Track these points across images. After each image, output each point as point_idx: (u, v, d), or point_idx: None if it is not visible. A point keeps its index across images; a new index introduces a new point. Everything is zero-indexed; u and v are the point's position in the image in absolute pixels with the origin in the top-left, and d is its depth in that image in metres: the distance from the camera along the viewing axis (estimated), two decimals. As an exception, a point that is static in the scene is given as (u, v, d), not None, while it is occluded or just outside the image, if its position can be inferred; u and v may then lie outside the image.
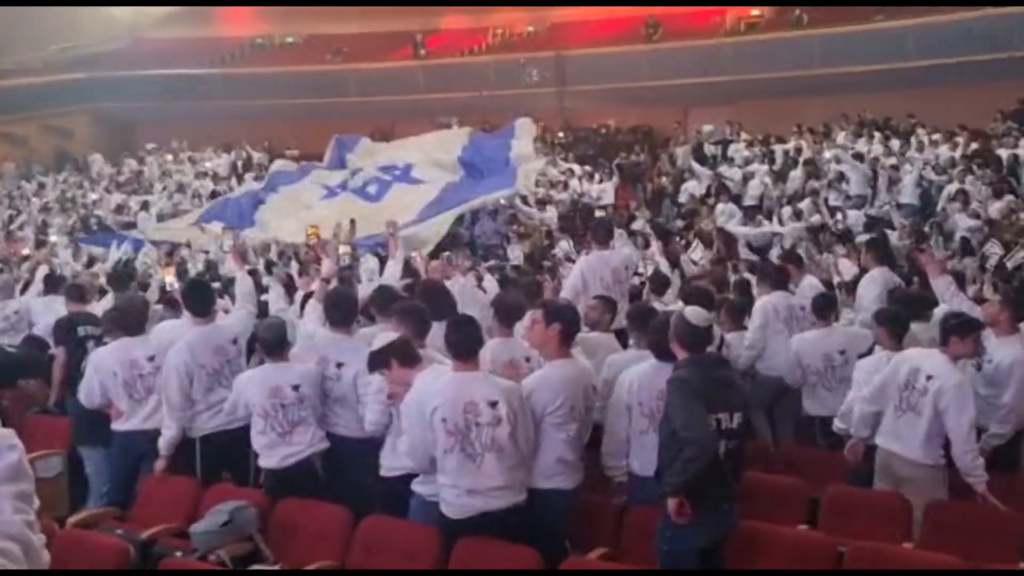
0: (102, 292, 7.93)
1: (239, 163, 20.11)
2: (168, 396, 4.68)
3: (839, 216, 12.41)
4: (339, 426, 4.55)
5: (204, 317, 4.86)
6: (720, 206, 14.20)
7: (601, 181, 16.78)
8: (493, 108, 21.93)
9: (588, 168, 17.39)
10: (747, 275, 7.89)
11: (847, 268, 9.07)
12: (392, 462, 4.27)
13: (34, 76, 22.55)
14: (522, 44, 23.48)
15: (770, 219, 13.02)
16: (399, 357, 3.88)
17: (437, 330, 4.17)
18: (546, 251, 12.74)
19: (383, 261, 9.09)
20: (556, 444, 3.96)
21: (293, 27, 25.42)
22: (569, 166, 17.22)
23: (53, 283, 7.78)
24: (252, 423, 4.46)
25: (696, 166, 16.03)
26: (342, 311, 4.68)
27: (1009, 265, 8.72)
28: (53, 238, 13.85)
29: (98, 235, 14.43)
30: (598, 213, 13.47)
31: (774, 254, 10.54)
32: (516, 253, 12.96)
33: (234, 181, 18.54)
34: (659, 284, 7.41)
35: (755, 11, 21.44)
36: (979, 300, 5.73)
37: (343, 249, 5.87)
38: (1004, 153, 13.73)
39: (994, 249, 9.42)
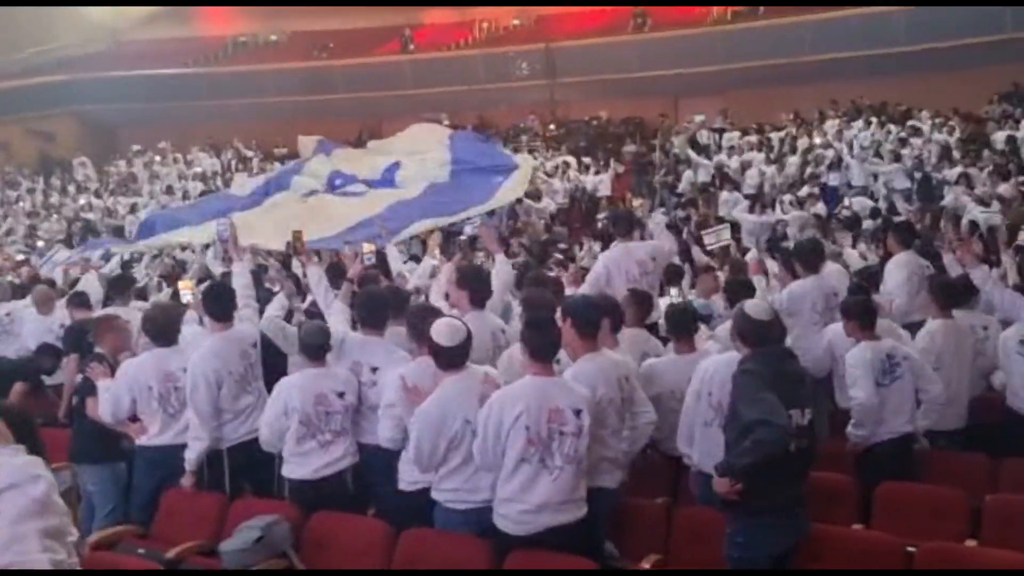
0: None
1: (233, 162, 19.79)
2: (197, 406, 4.42)
3: (845, 203, 12.30)
4: (368, 434, 4.33)
5: (226, 322, 4.64)
6: (724, 194, 14.11)
7: (597, 173, 16.64)
8: (483, 102, 21.77)
9: (585, 160, 17.24)
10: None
11: (855, 259, 8.96)
12: (413, 475, 4.10)
13: (13, 79, 22.11)
14: (509, 37, 23.27)
15: (772, 207, 12.92)
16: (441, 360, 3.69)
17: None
18: (546, 245, 12.54)
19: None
20: (596, 441, 3.77)
21: (275, 24, 25.11)
22: (564, 158, 17.05)
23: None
24: (289, 431, 4.24)
25: (694, 155, 15.91)
26: (374, 312, 4.47)
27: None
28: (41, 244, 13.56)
29: (90, 241, 14.06)
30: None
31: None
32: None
33: (219, 182, 18.27)
34: (672, 274, 7.28)
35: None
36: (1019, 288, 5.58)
37: (367, 248, 5.63)
38: (1001, 136, 13.67)
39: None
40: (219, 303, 4.68)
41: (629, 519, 4.07)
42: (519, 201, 13.54)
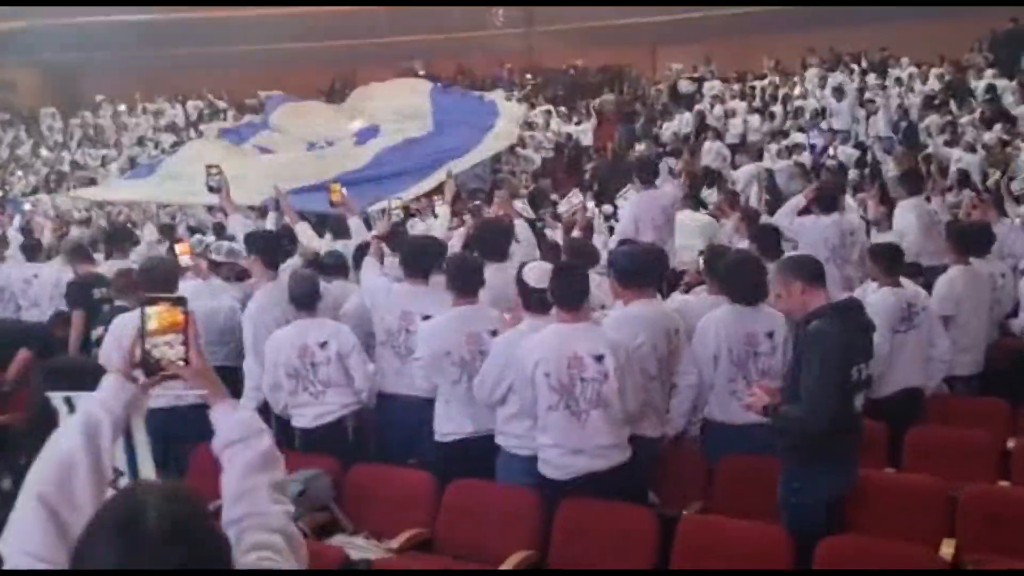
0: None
1: (206, 113, 19.32)
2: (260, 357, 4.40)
3: (830, 152, 12.35)
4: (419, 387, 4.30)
5: (276, 271, 4.65)
6: (707, 144, 14.08)
7: (579, 122, 16.53)
8: (460, 50, 21.41)
9: (563, 109, 17.10)
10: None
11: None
12: (446, 427, 4.10)
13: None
14: (486, -17, 22.80)
15: (759, 157, 12.93)
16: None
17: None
18: (535, 194, 12.43)
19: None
20: (638, 388, 3.77)
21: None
22: (546, 107, 16.89)
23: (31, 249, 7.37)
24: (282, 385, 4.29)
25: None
26: (420, 261, 4.43)
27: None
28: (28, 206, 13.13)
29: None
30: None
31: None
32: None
33: (193, 132, 17.85)
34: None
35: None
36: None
37: (396, 203, 5.55)
38: (982, 84, 13.75)
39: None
40: (271, 252, 4.74)
41: (670, 466, 4.09)
42: (511, 150, 13.35)
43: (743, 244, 5.56)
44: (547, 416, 3.48)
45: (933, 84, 14.38)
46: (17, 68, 22.04)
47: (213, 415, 1.81)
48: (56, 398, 2.00)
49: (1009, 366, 5.21)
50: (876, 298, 4.64)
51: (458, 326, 4.07)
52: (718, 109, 15.64)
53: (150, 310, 1.76)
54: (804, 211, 6.06)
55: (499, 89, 19.45)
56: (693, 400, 4.06)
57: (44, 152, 17.71)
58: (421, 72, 20.43)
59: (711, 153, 13.83)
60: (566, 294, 3.52)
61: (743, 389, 4.01)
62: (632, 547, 3.39)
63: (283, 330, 4.38)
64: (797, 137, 13.54)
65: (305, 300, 4.37)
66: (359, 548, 3.65)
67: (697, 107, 16.01)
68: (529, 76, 20.47)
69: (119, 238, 6.95)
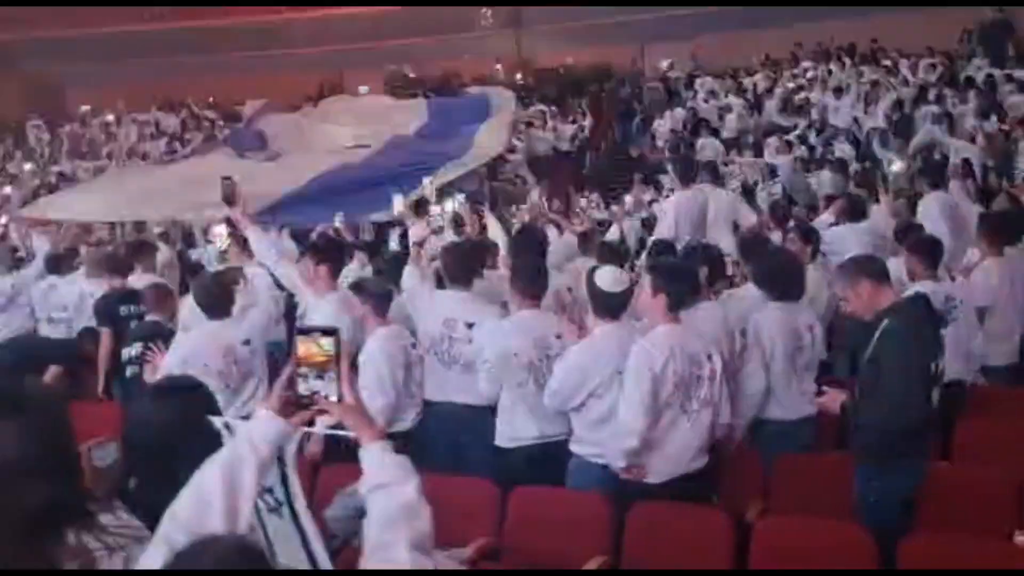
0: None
1: (189, 122, 19.15)
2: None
3: (832, 146, 12.42)
4: (463, 392, 4.27)
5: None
6: (701, 140, 14.14)
7: (574, 121, 16.54)
8: (449, 52, 21.33)
9: (554, 109, 17.10)
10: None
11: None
12: (510, 433, 4.08)
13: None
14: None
15: (759, 153, 12.98)
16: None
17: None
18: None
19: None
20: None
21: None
22: (541, 107, 16.87)
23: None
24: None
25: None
26: (465, 267, 4.42)
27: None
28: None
29: None
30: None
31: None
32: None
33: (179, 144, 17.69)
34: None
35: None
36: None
37: (435, 209, 5.53)
38: (980, 75, 13.83)
39: None
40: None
41: (729, 465, 4.08)
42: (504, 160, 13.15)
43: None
44: (660, 414, 3.48)
45: (926, 75, 14.44)
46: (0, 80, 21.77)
47: (362, 455, 1.74)
48: (217, 422, 1.96)
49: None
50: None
51: (525, 329, 4.06)
52: (711, 106, 15.70)
53: (301, 342, 1.71)
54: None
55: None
56: (758, 405, 4.06)
57: (27, 166, 17.44)
58: (411, 75, 20.39)
59: (706, 149, 13.89)
60: (679, 295, 3.56)
61: (795, 385, 4.08)
62: (707, 550, 3.38)
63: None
64: (795, 132, 13.60)
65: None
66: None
67: (690, 103, 16.07)
68: (519, 76, 20.43)
69: (145, 251, 6.80)
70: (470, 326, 4.24)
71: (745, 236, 5.38)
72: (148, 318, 5.26)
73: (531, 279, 4.11)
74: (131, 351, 4.99)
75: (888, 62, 15.66)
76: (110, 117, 19.76)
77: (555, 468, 3.86)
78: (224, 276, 5.12)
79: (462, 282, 4.42)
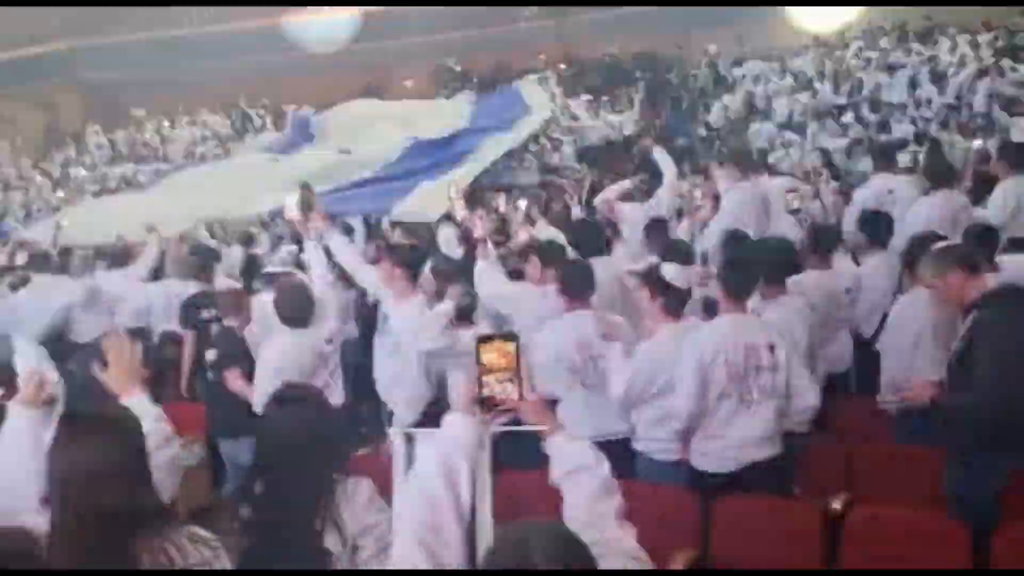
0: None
1: (236, 124, 19.49)
2: None
3: (888, 126, 12.22)
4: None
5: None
6: (754, 126, 14.00)
7: (621, 111, 16.47)
8: (492, 45, 21.32)
9: (606, 98, 17.03)
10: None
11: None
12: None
13: (10, 50, 21.53)
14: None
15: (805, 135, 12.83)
16: None
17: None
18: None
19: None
20: None
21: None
22: (587, 97, 16.82)
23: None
24: None
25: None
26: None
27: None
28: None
29: None
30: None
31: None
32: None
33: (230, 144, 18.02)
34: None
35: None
36: None
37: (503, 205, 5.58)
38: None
39: None
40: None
41: (810, 457, 4.09)
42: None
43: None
44: (717, 405, 3.54)
45: (984, 52, 14.09)
46: (58, 90, 22.31)
47: (548, 446, 1.92)
48: (396, 434, 2.12)
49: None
50: None
51: (567, 332, 4.12)
52: (761, 89, 15.51)
53: (483, 347, 1.84)
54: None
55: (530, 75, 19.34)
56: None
57: (82, 172, 17.93)
58: (457, 68, 20.48)
59: (760, 134, 13.77)
60: (738, 285, 3.60)
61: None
62: (797, 543, 3.41)
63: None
64: (851, 113, 13.39)
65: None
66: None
67: (741, 88, 15.89)
68: (563, 66, 20.35)
69: (208, 258, 6.96)
70: None
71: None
72: (225, 323, 5.39)
73: (579, 286, 4.16)
74: (211, 356, 5.15)
75: (945, 39, 15.27)
76: (166, 121, 20.19)
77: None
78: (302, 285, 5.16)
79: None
